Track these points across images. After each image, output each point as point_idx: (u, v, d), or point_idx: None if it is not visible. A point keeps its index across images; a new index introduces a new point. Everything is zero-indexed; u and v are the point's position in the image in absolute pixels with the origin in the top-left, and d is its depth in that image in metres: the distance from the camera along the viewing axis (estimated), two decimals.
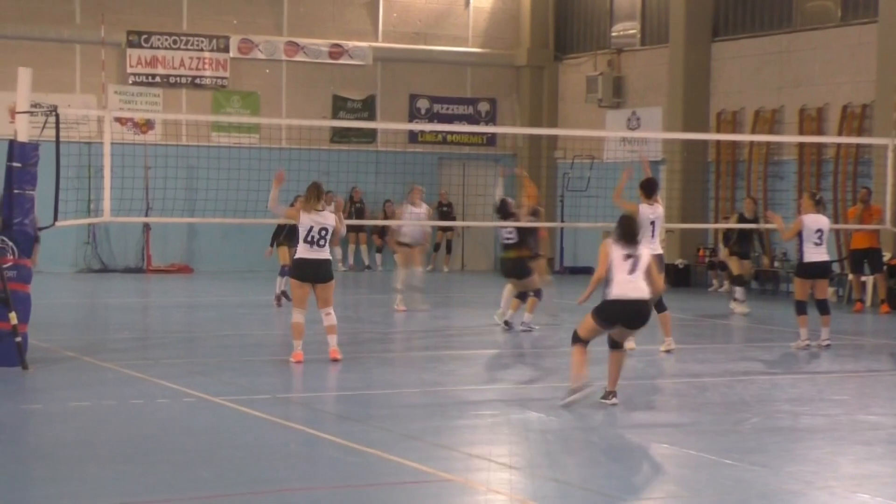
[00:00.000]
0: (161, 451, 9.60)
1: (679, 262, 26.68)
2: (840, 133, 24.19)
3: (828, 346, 16.25)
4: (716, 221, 26.14)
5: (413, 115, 30.61)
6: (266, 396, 12.10)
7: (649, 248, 12.33)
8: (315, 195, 14.07)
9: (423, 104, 30.82)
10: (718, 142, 26.46)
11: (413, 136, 30.24)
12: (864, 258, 22.20)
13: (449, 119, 30.73)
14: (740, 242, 21.41)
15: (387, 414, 11.46)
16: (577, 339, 11.64)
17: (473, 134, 30.84)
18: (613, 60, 29.71)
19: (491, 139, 31.32)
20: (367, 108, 30.20)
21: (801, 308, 16.23)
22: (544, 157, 30.91)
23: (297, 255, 14.23)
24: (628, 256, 11.40)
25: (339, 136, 29.43)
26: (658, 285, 11.77)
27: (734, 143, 26.17)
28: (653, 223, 15.07)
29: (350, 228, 29.26)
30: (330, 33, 29.89)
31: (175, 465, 9.14)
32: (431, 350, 16.14)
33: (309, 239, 13.98)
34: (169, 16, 28.64)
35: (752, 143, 25.70)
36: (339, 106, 29.91)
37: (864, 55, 23.91)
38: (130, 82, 28.22)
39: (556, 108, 31.54)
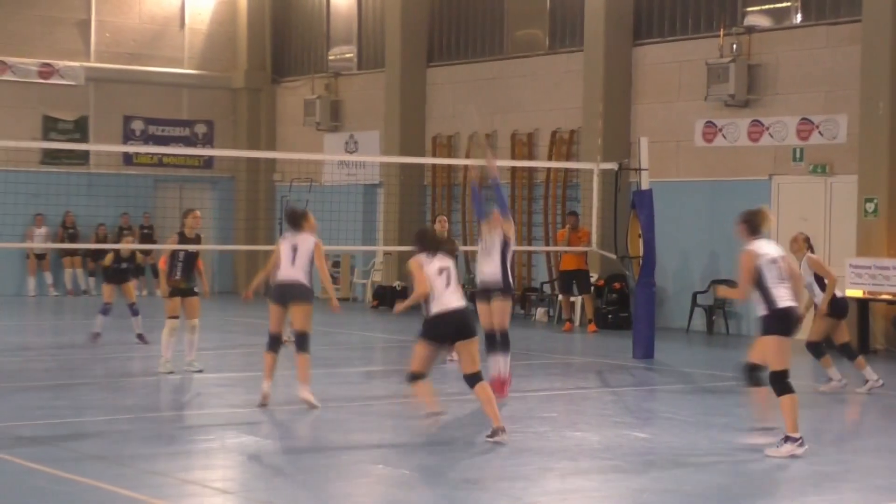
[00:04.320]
0: None
1: (397, 284, 26.99)
2: (549, 158, 24.98)
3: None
4: None
5: (128, 137, 30.06)
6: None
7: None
8: None
9: (137, 126, 30.29)
10: (434, 165, 26.95)
11: (128, 159, 29.68)
12: (572, 279, 22.95)
13: (165, 141, 30.32)
14: None
15: (97, 441, 11.22)
16: (413, 377, 11.28)
17: (190, 156, 30.50)
18: (331, 84, 29.90)
19: (208, 162, 31.03)
20: (80, 129, 29.49)
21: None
22: (262, 180, 30.86)
23: None
24: (442, 270, 11.33)
25: (51, 157, 28.63)
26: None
27: (449, 167, 26.70)
28: None
29: (65, 252, 28.52)
30: (40, 52, 29.09)
31: None
32: (141, 376, 15.83)
33: None
34: None
35: (466, 167, 26.25)
36: (50, 126, 29.09)
37: (570, 83, 24.77)
38: None
39: (274, 130, 31.52)
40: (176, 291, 15.80)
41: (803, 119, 21.40)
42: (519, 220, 25.45)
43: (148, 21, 30.64)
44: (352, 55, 29.91)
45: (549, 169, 24.91)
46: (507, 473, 10.15)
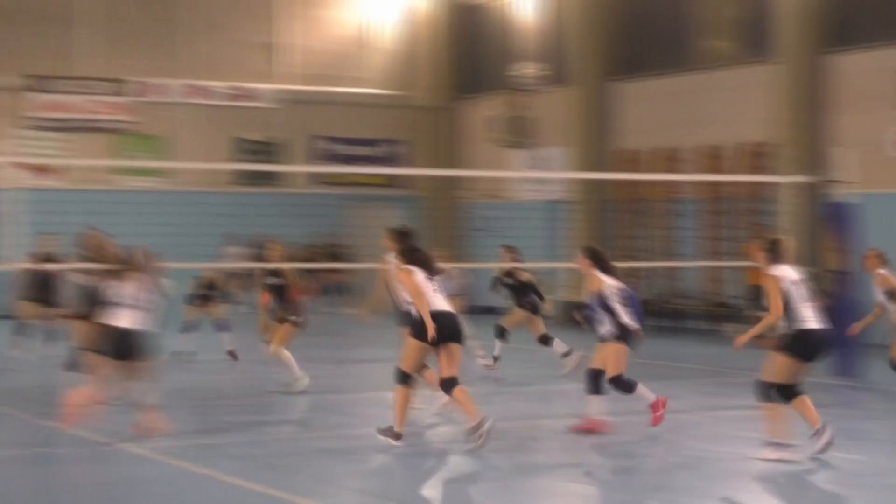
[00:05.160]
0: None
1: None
2: (736, 171, 24.52)
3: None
4: (616, 261, 26.30)
5: (314, 157, 30.54)
6: (177, 442, 11.84)
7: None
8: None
9: (323, 145, 30.76)
10: (618, 181, 26.66)
11: (315, 178, 30.15)
12: (761, 294, 22.44)
13: (350, 160, 30.72)
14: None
15: (292, 457, 11.33)
16: (403, 377, 11.54)
17: (376, 175, 30.84)
18: (514, 100, 29.88)
19: (394, 180, 31.34)
20: (268, 149, 30.09)
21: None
22: (447, 197, 30.99)
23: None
24: (430, 279, 11.73)
25: (242, 178, 29.24)
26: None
27: (634, 182, 26.39)
28: None
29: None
30: (230, 75, 29.77)
31: None
32: (336, 393, 15.97)
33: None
34: (65, 59, 28.29)
35: (652, 182, 25.93)
36: (241, 148, 29.76)
37: (758, 94, 24.28)
38: (29, 127, 27.68)
39: (458, 147, 31.66)
40: (276, 320, 15.97)
41: None
42: (705, 235, 25.08)
43: (332, 42, 31.11)
44: (535, 71, 29.85)
45: (736, 183, 24.44)
46: (703, 493, 9.93)
